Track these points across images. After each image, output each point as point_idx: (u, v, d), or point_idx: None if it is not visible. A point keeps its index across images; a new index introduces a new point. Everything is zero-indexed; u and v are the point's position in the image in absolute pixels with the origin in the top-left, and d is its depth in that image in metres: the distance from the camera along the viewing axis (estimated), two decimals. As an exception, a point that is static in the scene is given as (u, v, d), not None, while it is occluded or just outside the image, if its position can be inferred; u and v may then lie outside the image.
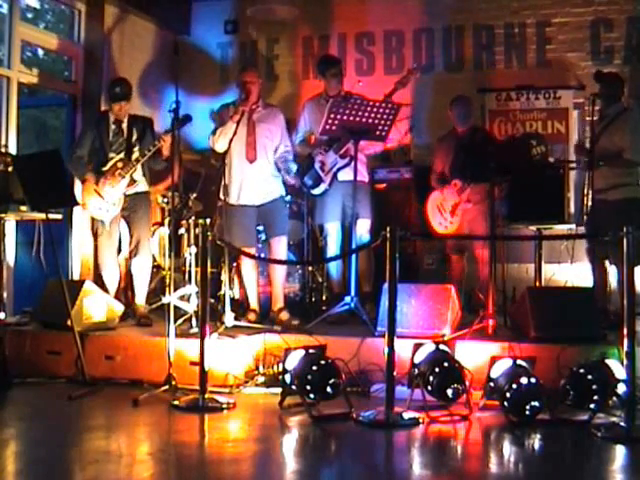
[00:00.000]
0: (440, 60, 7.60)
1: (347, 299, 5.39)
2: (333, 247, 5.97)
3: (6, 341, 4.95)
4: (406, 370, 4.34)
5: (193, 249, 5.60)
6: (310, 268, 6.42)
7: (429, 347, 4.37)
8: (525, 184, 5.74)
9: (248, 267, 5.78)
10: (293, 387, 4.24)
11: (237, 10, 8.09)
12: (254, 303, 5.79)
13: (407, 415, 4.03)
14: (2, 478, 3.14)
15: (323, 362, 4.19)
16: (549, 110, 7.13)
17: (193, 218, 5.75)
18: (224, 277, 5.70)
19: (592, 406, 3.94)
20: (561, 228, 5.87)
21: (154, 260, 6.52)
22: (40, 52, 9.71)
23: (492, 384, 4.15)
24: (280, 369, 4.56)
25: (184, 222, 6.07)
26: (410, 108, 7.32)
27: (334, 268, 6.08)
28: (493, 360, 4.21)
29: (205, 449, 3.77)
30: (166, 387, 4.54)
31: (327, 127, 5.41)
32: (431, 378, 4.16)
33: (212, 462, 3.51)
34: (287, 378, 4.29)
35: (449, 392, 4.14)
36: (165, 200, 6.53)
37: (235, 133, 5.46)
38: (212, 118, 6.69)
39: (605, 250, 5.40)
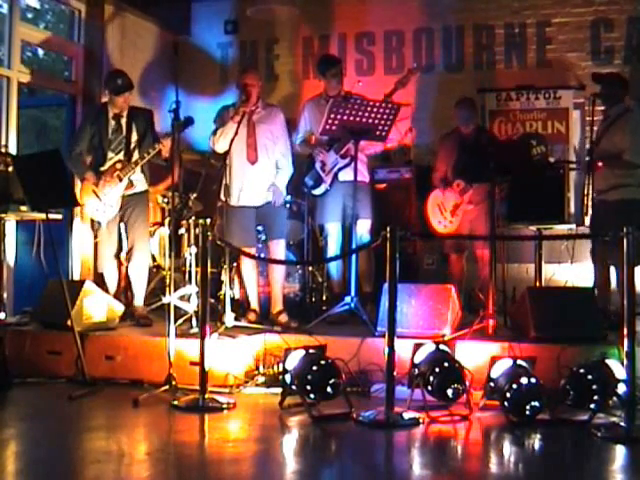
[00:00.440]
0: (440, 60, 7.60)
1: (347, 299, 5.39)
2: (333, 247, 5.97)
3: (6, 341, 4.95)
4: (406, 370, 4.34)
5: (193, 249, 5.59)
6: (310, 268, 6.42)
7: (429, 347, 4.37)
8: (525, 184, 5.74)
9: (248, 267, 5.78)
10: (293, 387, 4.24)
11: (237, 10, 8.10)
12: (254, 303, 5.79)
13: (407, 415, 4.03)
14: (2, 478, 3.14)
15: (323, 362, 4.19)
16: (549, 110, 7.13)
17: (193, 218, 5.73)
18: (224, 277, 5.70)
19: (592, 406, 3.94)
20: (561, 228, 5.87)
21: (154, 260, 6.52)
22: (40, 52, 9.73)
23: (492, 384, 4.16)
24: (280, 369, 4.56)
25: (184, 222, 6.07)
26: (410, 108, 7.33)
27: (334, 268, 6.08)
28: (493, 360, 4.22)
29: (205, 449, 3.77)
30: (166, 387, 4.54)
31: (327, 127, 5.41)
32: (431, 378, 4.16)
33: (212, 462, 3.51)
34: (287, 378, 4.29)
35: (449, 392, 4.14)
36: (165, 200, 6.53)
37: (236, 134, 5.46)
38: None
39: (608, 250, 5.40)
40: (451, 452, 3.73)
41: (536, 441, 3.81)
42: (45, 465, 3.35)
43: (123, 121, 5.69)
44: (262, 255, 6.11)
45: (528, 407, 3.92)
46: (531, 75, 7.30)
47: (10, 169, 5.39)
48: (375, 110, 5.35)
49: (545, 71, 7.30)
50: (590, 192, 5.59)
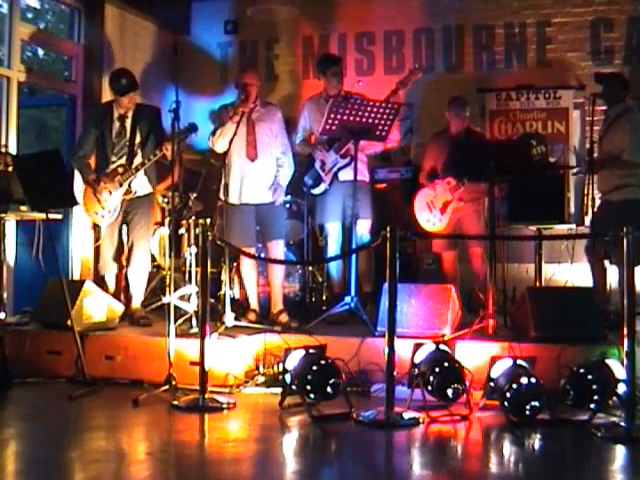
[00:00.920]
0: (440, 60, 7.60)
1: (347, 299, 5.39)
2: (333, 247, 5.97)
3: (6, 341, 4.95)
4: (406, 370, 4.34)
5: (193, 249, 5.59)
6: (310, 268, 6.42)
7: (429, 347, 4.37)
8: (525, 184, 5.74)
9: (248, 267, 5.78)
10: (293, 387, 4.24)
11: (237, 10, 8.09)
12: (254, 303, 5.79)
13: (407, 415, 4.03)
14: (2, 478, 3.14)
15: (323, 362, 4.19)
16: (549, 110, 7.13)
17: (193, 218, 5.74)
18: (224, 277, 5.70)
19: (592, 406, 3.94)
20: (561, 228, 5.88)
21: (154, 260, 6.52)
22: (40, 52, 9.72)
23: (492, 384, 4.15)
24: (280, 369, 4.56)
25: (184, 222, 6.06)
26: (410, 109, 7.34)
27: (334, 268, 6.08)
28: (493, 360, 4.21)
29: (205, 449, 3.77)
30: (166, 387, 4.54)
31: (327, 127, 5.41)
32: (431, 378, 4.16)
33: (212, 462, 3.51)
34: (287, 378, 4.29)
35: (449, 392, 4.14)
36: (165, 200, 6.53)
37: (235, 133, 5.46)
38: (211, 119, 6.69)
39: (607, 250, 5.41)
40: (451, 452, 3.73)
41: (536, 441, 3.81)
42: (45, 465, 3.35)
43: (128, 122, 5.65)
44: (262, 255, 6.11)
45: (528, 407, 3.92)
46: (531, 75, 7.30)
47: (10, 169, 5.39)
48: (375, 110, 5.35)
49: (545, 71, 7.30)
50: (590, 192, 5.60)
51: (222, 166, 5.62)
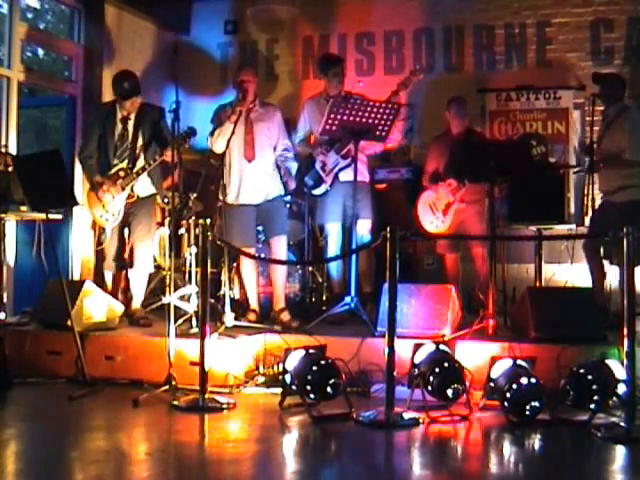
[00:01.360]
0: (440, 60, 7.61)
1: (347, 299, 5.39)
2: (333, 247, 5.97)
3: (6, 341, 4.94)
4: (406, 370, 4.34)
5: (193, 249, 5.59)
6: (310, 268, 6.42)
7: (429, 347, 4.37)
8: (525, 184, 5.74)
9: (248, 267, 5.78)
10: (293, 387, 4.24)
11: (237, 10, 8.10)
12: (254, 303, 5.79)
13: (407, 415, 4.03)
14: (2, 478, 3.14)
15: (323, 362, 4.18)
16: (549, 110, 7.13)
17: (193, 218, 5.75)
18: (224, 277, 5.70)
19: (592, 406, 3.94)
20: (561, 228, 5.88)
21: (154, 260, 6.52)
22: (40, 52, 9.73)
23: (492, 384, 4.15)
24: (280, 369, 4.56)
25: (184, 222, 6.07)
26: (410, 109, 7.34)
27: (334, 268, 6.08)
28: (493, 360, 4.21)
29: (205, 449, 3.77)
30: (166, 387, 4.54)
31: (327, 127, 5.41)
32: (431, 378, 4.16)
33: (212, 462, 3.50)
34: (287, 378, 4.29)
35: (449, 392, 4.14)
36: (165, 200, 6.53)
37: (233, 133, 5.46)
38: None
39: (609, 250, 5.41)
40: (451, 452, 3.73)
41: (536, 441, 3.81)
42: (45, 465, 3.35)
43: (130, 125, 5.61)
44: (262, 255, 6.11)
45: (528, 407, 3.91)
46: (531, 75, 7.30)
47: (10, 169, 5.39)
48: (375, 110, 5.35)
49: (545, 71, 7.30)
50: (590, 192, 5.60)
51: (221, 166, 5.62)
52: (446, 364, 4.19)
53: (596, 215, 5.65)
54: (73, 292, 5.11)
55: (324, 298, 6.35)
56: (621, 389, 3.94)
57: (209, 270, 4.66)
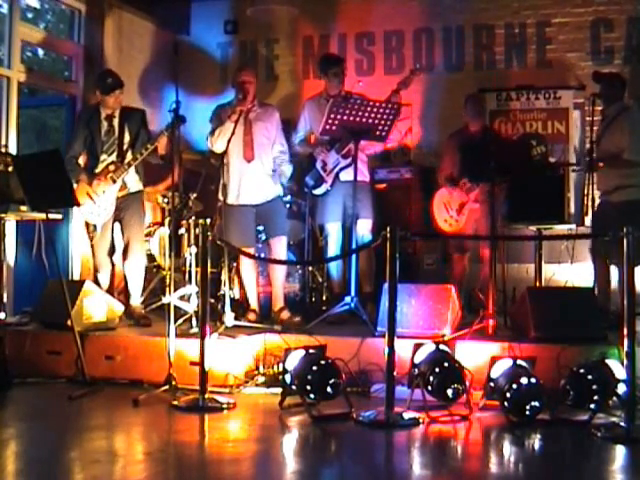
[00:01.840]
0: (440, 60, 7.60)
1: (347, 299, 5.39)
2: (333, 247, 5.97)
3: (6, 341, 4.94)
4: (406, 370, 4.34)
5: (193, 249, 5.59)
6: (310, 268, 6.42)
7: (429, 347, 4.37)
8: (525, 184, 5.74)
9: (247, 267, 5.78)
10: (293, 387, 4.24)
11: (237, 10, 8.09)
12: (254, 303, 5.79)
13: (407, 415, 4.03)
14: (2, 478, 3.14)
15: (323, 362, 4.18)
16: (549, 110, 7.13)
17: (193, 218, 5.75)
18: (224, 277, 5.70)
19: (592, 406, 3.94)
20: (561, 228, 5.87)
21: (154, 260, 6.52)
22: (40, 52, 9.72)
23: (492, 384, 4.15)
24: (280, 369, 4.56)
25: (184, 222, 6.07)
26: (410, 108, 7.33)
27: (334, 268, 6.08)
28: (493, 360, 4.21)
29: (205, 449, 3.77)
30: (166, 387, 4.54)
31: (327, 127, 5.41)
32: (431, 378, 4.16)
33: (212, 462, 3.50)
34: (287, 378, 4.28)
35: (449, 392, 4.14)
36: (165, 200, 6.53)
37: (233, 133, 5.46)
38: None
39: (607, 250, 5.40)
40: (451, 452, 3.73)
41: (536, 441, 3.81)
42: (45, 465, 3.34)
43: (115, 122, 5.66)
44: (262, 255, 6.11)
45: (528, 407, 3.91)
46: (531, 75, 7.30)
47: (10, 169, 5.39)
48: (375, 110, 5.35)
49: (545, 71, 7.30)
50: (590, 192, 5.60)
51: (220, 166, 5.62)
52: (446, 364, 4.19)
53: (595, 215, 5.65)
54: (73, 292, 5.11)
55: (324, 298, 6.35)
56: (621, 389, 3.93)
57: (209, 270, 4.66)
